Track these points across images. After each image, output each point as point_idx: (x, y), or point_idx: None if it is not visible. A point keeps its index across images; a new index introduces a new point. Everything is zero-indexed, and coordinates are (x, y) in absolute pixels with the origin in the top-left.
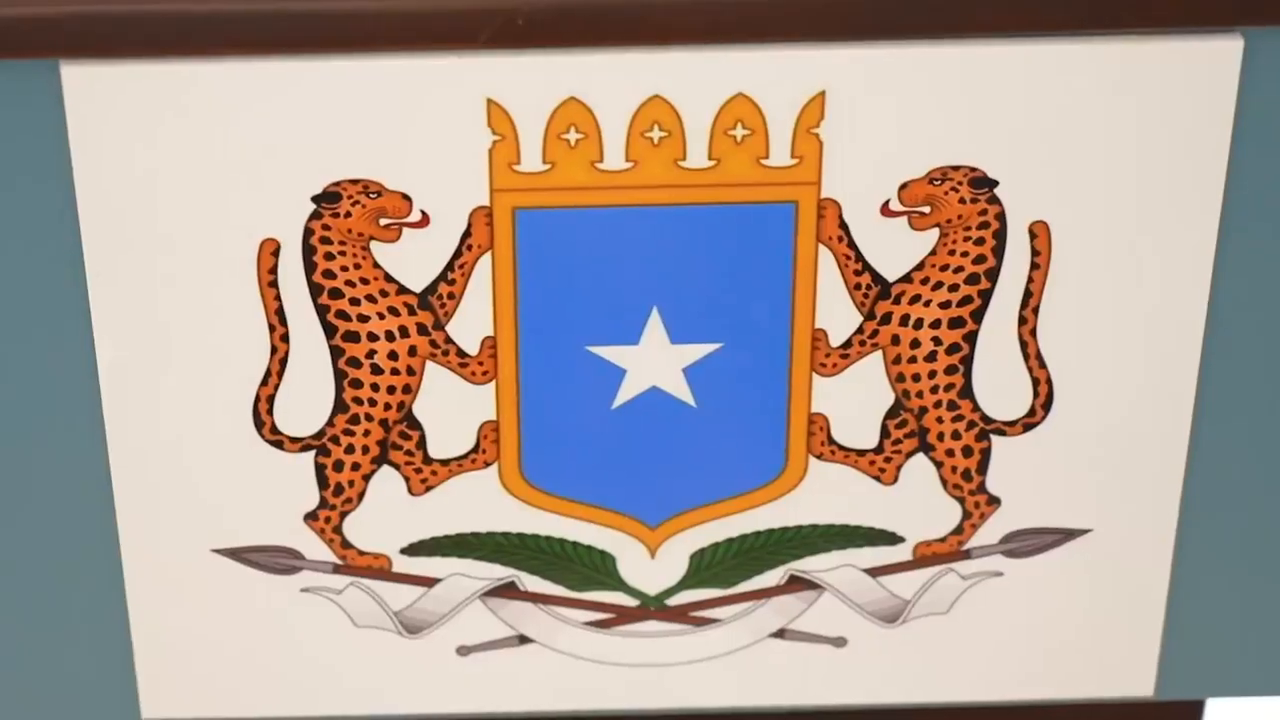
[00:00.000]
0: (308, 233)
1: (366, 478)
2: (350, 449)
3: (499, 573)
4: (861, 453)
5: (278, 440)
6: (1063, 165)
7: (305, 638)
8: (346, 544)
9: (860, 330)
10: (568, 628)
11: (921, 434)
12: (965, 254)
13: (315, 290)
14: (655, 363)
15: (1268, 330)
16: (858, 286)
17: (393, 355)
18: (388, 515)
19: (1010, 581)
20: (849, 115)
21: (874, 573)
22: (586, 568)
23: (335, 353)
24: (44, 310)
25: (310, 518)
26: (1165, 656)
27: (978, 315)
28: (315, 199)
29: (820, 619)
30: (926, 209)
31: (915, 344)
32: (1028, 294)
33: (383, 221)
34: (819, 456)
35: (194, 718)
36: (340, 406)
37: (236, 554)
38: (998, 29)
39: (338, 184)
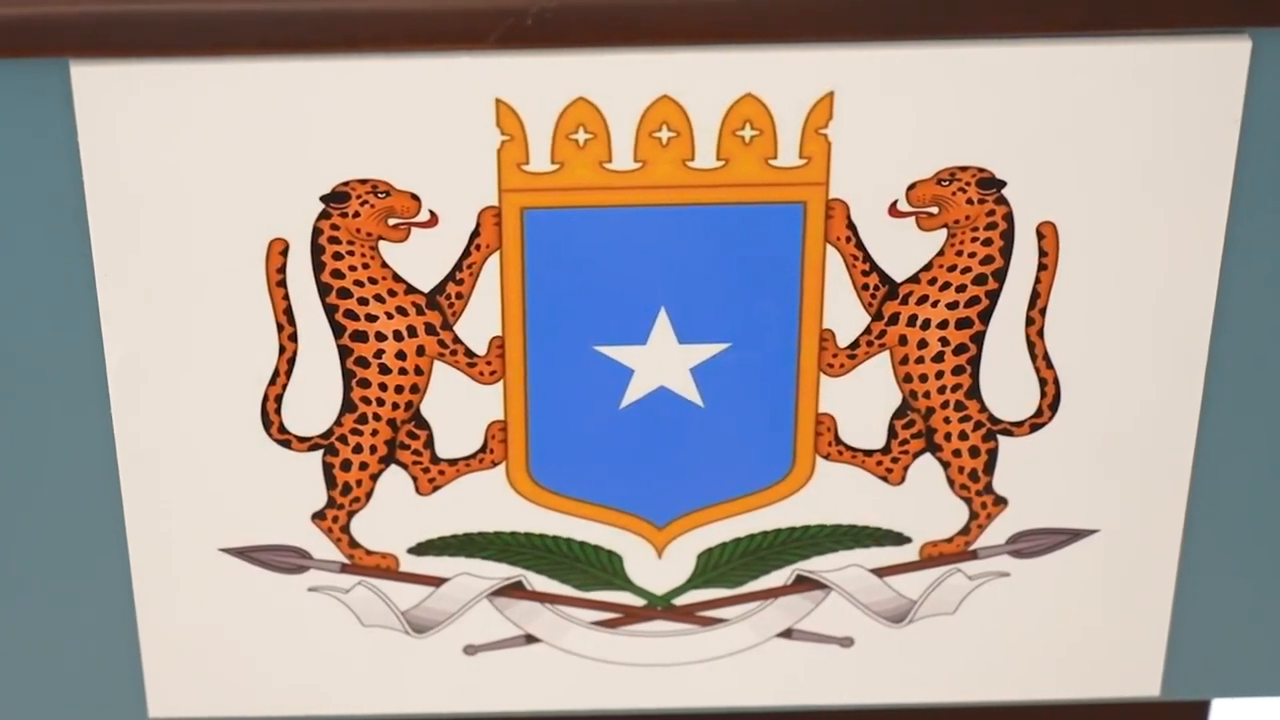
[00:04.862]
0: (316, 232)
1: (374, 477)
2: (358, 448)
3: (506, 572)
4: (869, 453)
5: (285, 439)
6: (1070, 166)
7: (312, 637)
8: (354, 543)
9: (868, 331)
10: (575, 627)
11: (929, 434)
12: (973, 254)
13: (323, 290)
14: (663, 363)
15: (1275, 330)
16: (865, 287)
17: (401, 355)
18: (395, 515)
19: (1017, 582)
20: (857, 116)
21: (881, 573)
22: (594, 567)
23: (343, 352)
24: (53, 309)
25: (318, 517)
26: (1171, 657)
27: (985, 316)
28: (324, 199)
29: (827, 619)
30: (934, 209)
31: (923, 344)
32: (1035, 295)
33: (391, 221)
34: (826, 457)
35: (201, 716)
36: (348, 406)
37: (244, 553)
38: (1005, 30)
39: (346, 184)
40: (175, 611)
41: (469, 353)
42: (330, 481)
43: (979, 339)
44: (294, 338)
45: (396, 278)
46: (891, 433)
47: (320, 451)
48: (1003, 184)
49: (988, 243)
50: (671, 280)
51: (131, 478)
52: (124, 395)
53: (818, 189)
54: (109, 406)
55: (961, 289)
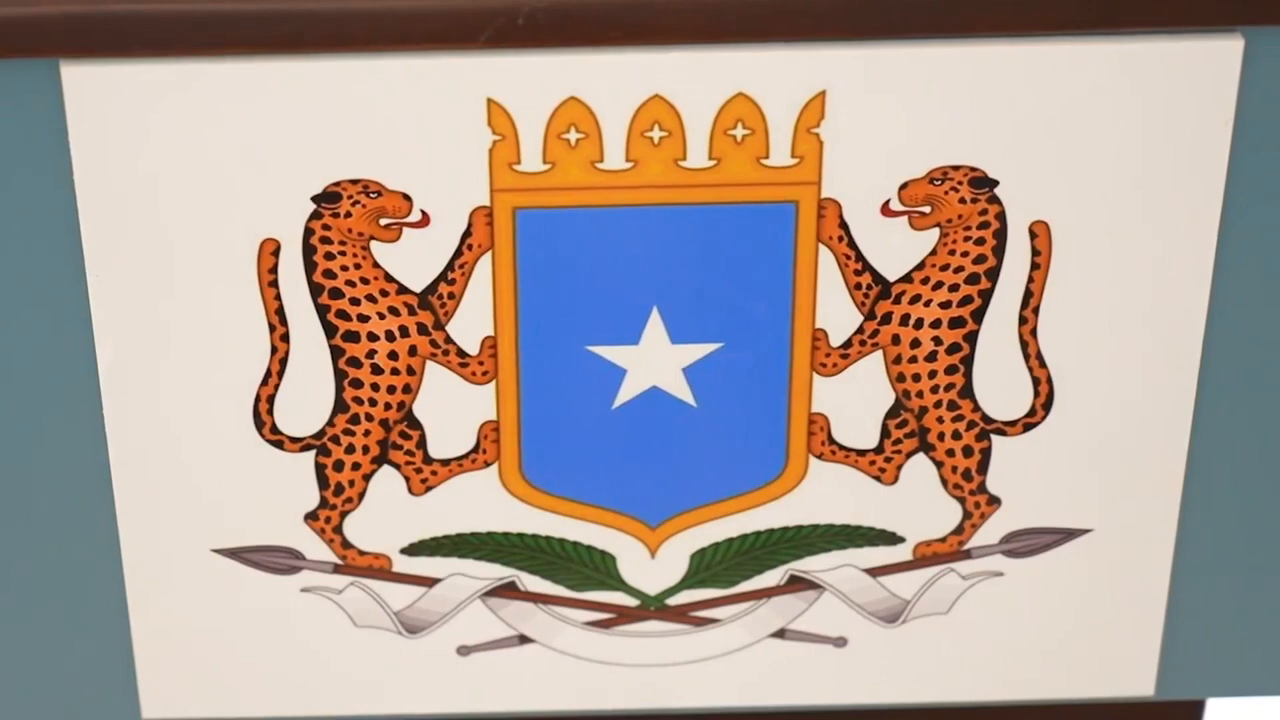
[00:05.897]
0: (308, 232)
1: (367, 477)
2: (350, 449)
3: (499, 573)
4: (862, 452)
5: (278, 440)
6: (1063, 165)
7: (305, 638)
8: (347, 544)
9: (860, 330)
10: (568, 628)
11: (922, 434)
12: (965, 254)
13: (315, 290)
14: (655, 362)
15: (1268, 329)
16: (858, 286)
17: (393, 355)
18: (388, 515)
19: (1010, 581)
20: (849, 115)
21: (874, 573)
22: (587, 568)
23: (335, 352)
24: (44, 310)
25: (310, 517)
26: (1165, 656)
27: (978, 315)
28: (315, 199)
29: (820, 619)
30: (927, 209)
31: (915, 344)
32: (1028, 294)
33: (383, 221)
34: (819, 456)
35: (194, 717)
36: (340, 406)
37: (237, 554)
38: (998, 29)
39: (338, 184)
40: (168, 612)
41: (461, 353)
42: (323, 482)
43: (972, 338)
44: (286, 338)
45: (388, 278)
46: (884, 432)
47: (312, 452)
48: (995, 183)
49: (980, 242)
50: (664, 280)
51: (124, 479)
52: (116, 396)
53: (810, 188)
54: (101, 407)
55: (954, 288)
